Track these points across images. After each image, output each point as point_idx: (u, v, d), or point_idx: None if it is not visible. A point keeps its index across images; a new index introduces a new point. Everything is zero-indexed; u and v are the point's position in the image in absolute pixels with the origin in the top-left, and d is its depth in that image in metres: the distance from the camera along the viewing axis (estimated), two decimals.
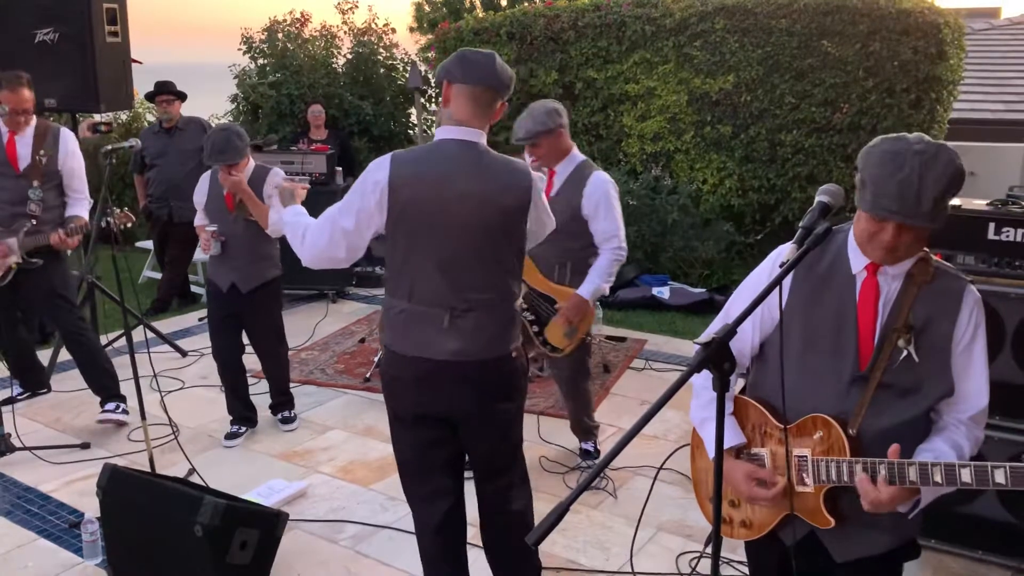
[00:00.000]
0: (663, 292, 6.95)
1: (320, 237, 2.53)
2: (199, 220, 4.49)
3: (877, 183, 1.73)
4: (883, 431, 1.88)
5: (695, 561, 3.36)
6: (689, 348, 5.68)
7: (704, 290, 7.05)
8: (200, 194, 4.45)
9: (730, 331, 1.66)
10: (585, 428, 4.21)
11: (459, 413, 2.60)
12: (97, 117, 5.67)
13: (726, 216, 7.37)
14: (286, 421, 4.69)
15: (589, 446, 4.22)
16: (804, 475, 1.95)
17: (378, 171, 2.47)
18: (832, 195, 1.89)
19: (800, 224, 1.86)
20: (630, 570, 3.31)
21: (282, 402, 4.72)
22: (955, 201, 3.15)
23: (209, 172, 4.46)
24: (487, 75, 2.46)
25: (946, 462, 1.78)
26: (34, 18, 5.32)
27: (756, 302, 1.76)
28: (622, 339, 6.12)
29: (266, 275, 4.41)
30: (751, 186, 7.20)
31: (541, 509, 3.73)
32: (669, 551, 3.45)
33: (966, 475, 1.76)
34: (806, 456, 1.94)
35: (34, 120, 4.42)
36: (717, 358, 1.64)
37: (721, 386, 1.64)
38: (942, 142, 1.75)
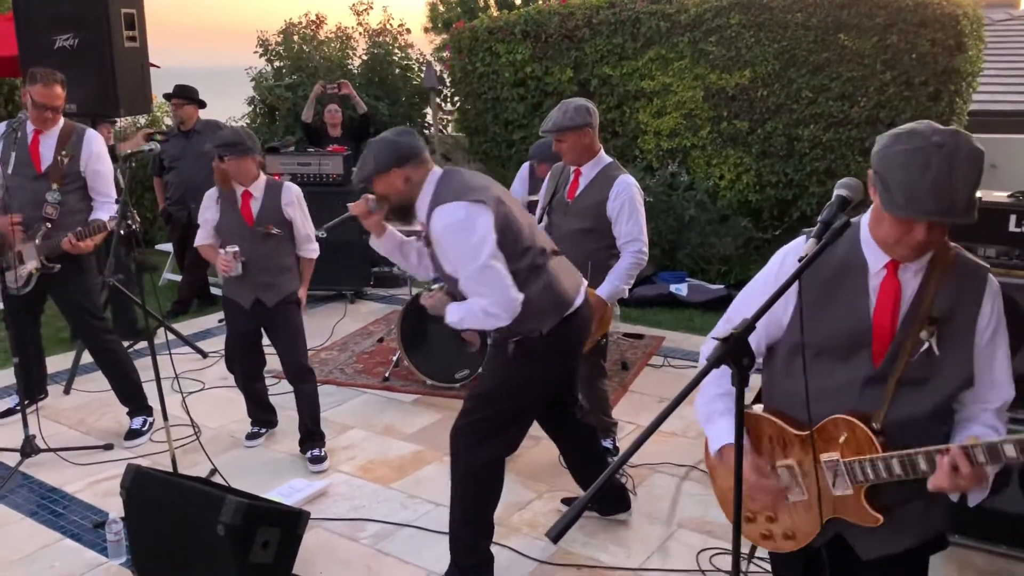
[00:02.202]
0: (681, 289, 6.93)
1: (506, 299, 2.85)
2: (204, 239, 4.18)
3: (907, 186, 1.67)
4: (904, 421, 1.85)
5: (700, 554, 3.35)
6: None
7: (722, 286, 7.02)
8: (210, 211, 4.13)
9: (748, 326, 1.64)
10: (603, 426, 4.20)
11: None
12: (120, 122, 5.67)
13: (743, 212, 7.33)
14: (316, 461, 4.19)
15: (608, 443, 4.22)
16: (838, 479, 1.89)
17: (480, 217, 2.81)
18: (851, 189, 1.85)
19: (819, 218, 1.82)
20: (650, 567, 3.31)
21: (313, 435, 4.29)
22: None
23: (214, 189, 4.16)
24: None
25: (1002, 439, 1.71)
26: (54, 24, 5.36)
27: (774, 297, 1.71)
28: (640, 336, 6.11)
29: (291, 286, 4.19)
30: (768, 181, 7.16)
31: (560, 506, 3.75)
32: (690, 548, 3.44)
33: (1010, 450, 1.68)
34: (836, 459, 1.89)
35: (61, 121, 4.37)
36: (736, 353, 1.63)
37: (740, 381, 1.63)
38: (955, 128, 1.71)
